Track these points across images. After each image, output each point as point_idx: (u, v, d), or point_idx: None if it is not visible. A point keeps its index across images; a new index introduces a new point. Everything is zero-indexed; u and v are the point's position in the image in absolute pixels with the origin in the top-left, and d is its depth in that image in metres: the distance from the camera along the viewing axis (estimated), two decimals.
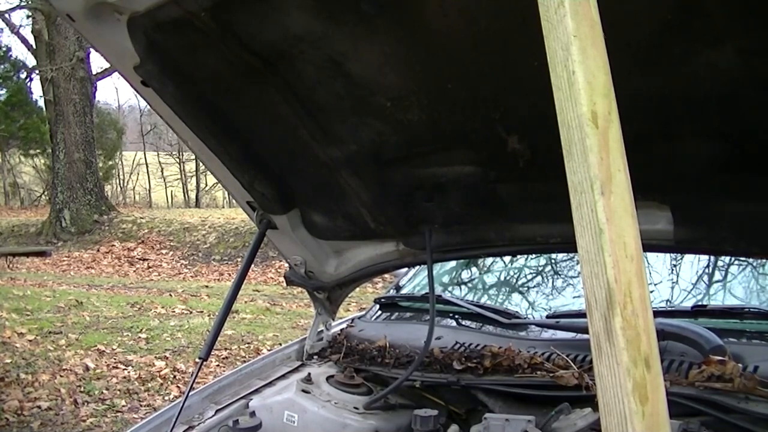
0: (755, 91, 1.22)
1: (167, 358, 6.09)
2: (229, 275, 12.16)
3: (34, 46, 18.44)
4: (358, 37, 1.37)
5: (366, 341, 2.13)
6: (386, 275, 4.46)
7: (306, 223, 1.97)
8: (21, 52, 38.71)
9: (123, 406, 5.01)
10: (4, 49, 20.46)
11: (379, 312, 2.43)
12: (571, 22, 0.73)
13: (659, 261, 2.22)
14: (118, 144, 24.88)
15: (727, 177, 1.41)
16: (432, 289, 1.88)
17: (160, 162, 27.22)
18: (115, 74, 15.45)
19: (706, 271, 2.18)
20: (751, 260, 2.09)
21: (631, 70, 1.22)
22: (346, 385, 1.94)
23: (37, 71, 18.80)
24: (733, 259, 2.13)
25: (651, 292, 2.10)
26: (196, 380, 1.78)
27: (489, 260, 2.65)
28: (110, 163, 23.34)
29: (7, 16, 18.74)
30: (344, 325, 2.34)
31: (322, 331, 2.23)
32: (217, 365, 5.81)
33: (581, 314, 1.92)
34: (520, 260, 2.58)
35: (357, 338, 2.18)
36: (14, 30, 19.44)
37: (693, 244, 1.55)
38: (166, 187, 26.83)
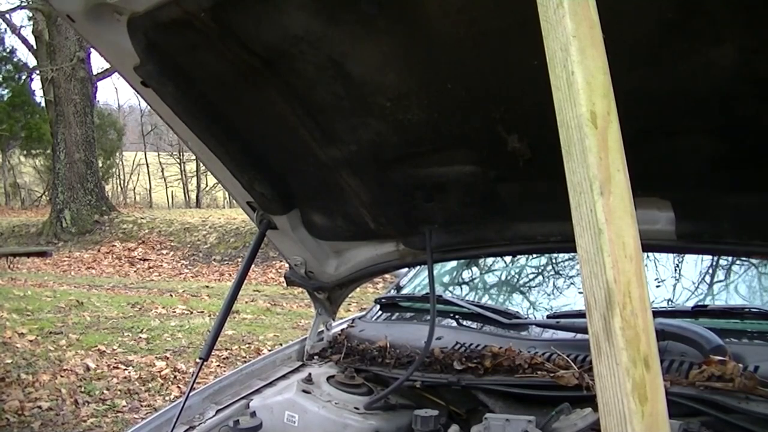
0: (755, 88, 1.22)
1: (168, 358, 6.09)
2: (230, 275, 12.16)
3: (35, 47, 18.46)
4: (358, 37, 1.37)
5: (366, 341, 2.13)
6: (386, 275, 4.46)
7: (306, 223, 1.97)
8: (22, 53, 38.72)
9: (123, 406, 5.01)
10: (8, 49, 20.55)
11: (380, 312, 2.43)
12: (570, 22, 0.74)
13: (660, 261, 2.22)
14: (118, 144, 24.86)
15: (727, 172, 1.41)
16: (432, 289, 1.88)
17: (160, 162, 27.22)
18: (115, 74, 15.45)
19: (707, 271, 2.18)
20: (751, 260, 2.09)
21: (631, 69, 1.22)
22: (346, 386, 1.94)
23: (37, 71, 18.82)
24: (733, 259, 2.13)
25: (657, 287, 2.11)
26: (196, 380, 1.78)
27: (489, 260, 2.65)
28: (108, 162, 23.29)
29: (7, 16, 18.80)
30: (345, 326, 2.34)
31: (322, 331, 2.23)
32: (218, 365, 5.81)
33: (581, 314, 1.91)
34: (521, 260, 2.58)
35: (357, 338, 2.18)
36: (15, 30, 19.49)
37: (695, 239, 1.55)
38: (166, 188, 26.82)
